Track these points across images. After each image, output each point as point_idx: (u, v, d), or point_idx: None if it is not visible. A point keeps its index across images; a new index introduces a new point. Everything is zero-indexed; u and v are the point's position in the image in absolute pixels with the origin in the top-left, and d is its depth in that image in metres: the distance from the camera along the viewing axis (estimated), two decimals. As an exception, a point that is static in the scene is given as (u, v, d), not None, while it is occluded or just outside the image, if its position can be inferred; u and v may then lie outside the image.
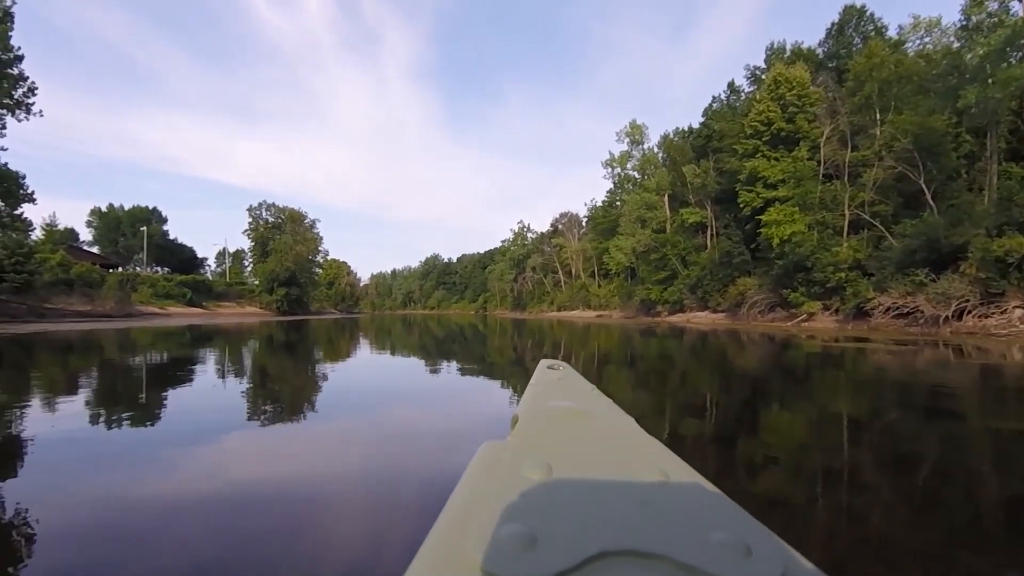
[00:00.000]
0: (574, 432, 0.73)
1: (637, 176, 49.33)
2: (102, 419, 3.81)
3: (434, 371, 7.55)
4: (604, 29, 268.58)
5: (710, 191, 36.10)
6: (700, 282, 35.07)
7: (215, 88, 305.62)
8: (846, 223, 24.33)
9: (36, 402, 4.59)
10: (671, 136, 47.49)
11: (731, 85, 44.77)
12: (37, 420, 3.74)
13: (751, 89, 42.06)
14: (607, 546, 0.40)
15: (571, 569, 0.38)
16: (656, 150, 47.27)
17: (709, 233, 37.98)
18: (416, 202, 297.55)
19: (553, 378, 1.11)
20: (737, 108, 40.41)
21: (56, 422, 3.64)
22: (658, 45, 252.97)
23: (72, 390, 5.25)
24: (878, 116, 27.89)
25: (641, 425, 0.76)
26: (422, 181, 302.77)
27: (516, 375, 6.72)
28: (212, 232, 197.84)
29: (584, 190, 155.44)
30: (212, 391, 5.25)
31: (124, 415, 3.96)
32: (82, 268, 38.42)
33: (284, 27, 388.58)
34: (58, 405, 4.35)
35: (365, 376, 7.18)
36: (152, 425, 3.71)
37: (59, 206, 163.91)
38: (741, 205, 30.25)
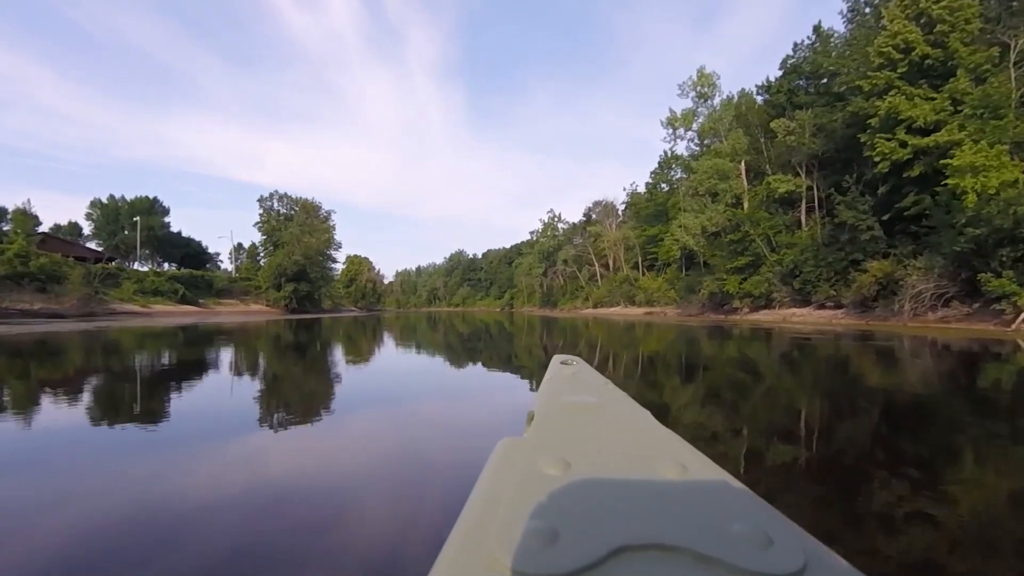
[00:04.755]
0: (591, 427, 0.72)
1: (696, 147, 41.02)
2: None
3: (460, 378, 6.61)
4: (630, 20, 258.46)
5: (809, 150, 27.85)
6: (798, 269, 27.00)
7: (241, 89, 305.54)
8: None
9: None
10: (734, 98, 39.09)
11: (817, 28, 36.21)
12: None
13: (847, 28, 33.58)
14: (628, 540, 0.40)
15: (594, 564, 0.37)
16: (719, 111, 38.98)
17: (803, 206, 29.74)
18: (441, 199, 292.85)
19: (567, 373, 1.08)
20: (837, 45, 31.93)
21: None
22: (686, 34, 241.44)
23: None
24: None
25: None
26: (447, 178, 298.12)
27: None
28: (236, 231, 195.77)
29: (613, 184, 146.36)
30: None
31: None
32: (43, 261, 32.51)
33: (309, 28, 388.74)
34: None
35: (383, 381, 6.30)
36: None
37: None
38: (876, 159, 21.99)
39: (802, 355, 8.91)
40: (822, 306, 25.36)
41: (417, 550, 1.67)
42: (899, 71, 22.85)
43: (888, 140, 21.76)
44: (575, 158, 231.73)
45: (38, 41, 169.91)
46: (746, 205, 33.12)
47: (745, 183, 33.53)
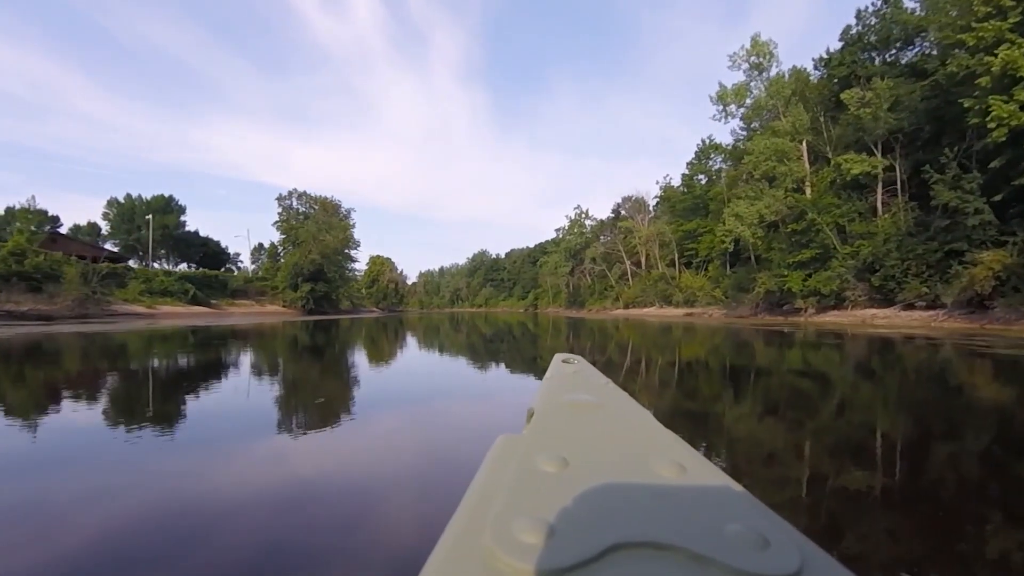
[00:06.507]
0: (590, 425, 0.73)
1: (742, 134, 36.95)
2: None
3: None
4: (655, 17, 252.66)
5: (887, 125, 23.80)
6: (877, 263, 23.05)
7: (267, 93, 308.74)
8: None
9: None
10: (784, 76, 34.86)
11: (886, -10, 31.93)
12: None
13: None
14: (623, 538, 0.40)
15: (587, 561, 0.37)
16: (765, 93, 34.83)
17: (880, 189, 25.68)
18: (465, 200, 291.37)
19: (568, 371, 1.10)
20: (906, 10, 27.71)
21: None
22: (713, 32, 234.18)
23: None
24: None
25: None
26: (471, 179, 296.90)
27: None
28: (256, 233, 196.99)
29: (640, 183, 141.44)
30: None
31: None
32: (39, 259, 30.56)
33: (335, 32, 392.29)
34: None
35: (391, 383, 6.16)
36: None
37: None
38: (990, 126, 17.99)
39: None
40: (911, 306, 21.37)
41: (415, 545, 1.66)
42: (1010, 21, 18.86)
43: (1005, 103, 17.76)
44: (600, 157, 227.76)
45: (74, 49, 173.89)
46: (809, 190, 29.08)
47: (807, 165, 29.45)
